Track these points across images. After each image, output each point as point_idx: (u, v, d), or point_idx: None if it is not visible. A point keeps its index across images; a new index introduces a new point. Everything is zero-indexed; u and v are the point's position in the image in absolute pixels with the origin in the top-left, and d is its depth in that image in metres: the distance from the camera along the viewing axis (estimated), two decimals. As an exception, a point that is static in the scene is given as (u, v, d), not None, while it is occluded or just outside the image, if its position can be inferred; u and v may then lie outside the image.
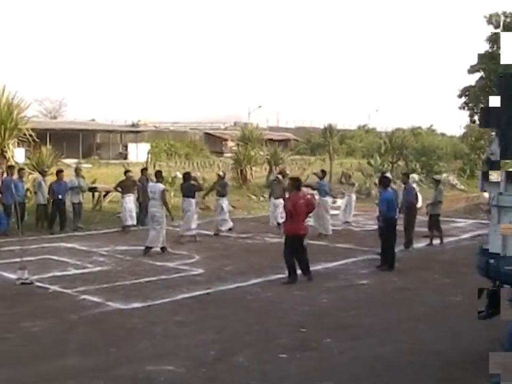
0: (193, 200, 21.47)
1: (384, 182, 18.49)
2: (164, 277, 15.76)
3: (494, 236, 9.57)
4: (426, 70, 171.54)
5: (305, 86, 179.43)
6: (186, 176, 22.09)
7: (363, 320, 12.25)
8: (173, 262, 17.61)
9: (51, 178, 23.91)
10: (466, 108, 50.50)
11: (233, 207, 28.62)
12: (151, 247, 18.97)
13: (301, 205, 15.51)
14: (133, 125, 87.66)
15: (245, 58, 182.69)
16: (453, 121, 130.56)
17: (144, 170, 26.17)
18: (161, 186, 19.56)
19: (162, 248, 19.20)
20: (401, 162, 46.62)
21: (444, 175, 43.53)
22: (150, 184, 20.79)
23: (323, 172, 24.28)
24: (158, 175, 20.09)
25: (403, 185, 22.17)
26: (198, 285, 14.90)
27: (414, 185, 23.98)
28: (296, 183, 16.19)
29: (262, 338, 11.08)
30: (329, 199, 24.13)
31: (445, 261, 18.91)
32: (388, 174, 23.14)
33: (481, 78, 48.35)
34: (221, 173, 24.58)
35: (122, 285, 14.78)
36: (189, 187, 21.48)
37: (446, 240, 22.04)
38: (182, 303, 13.42)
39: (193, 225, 21.46)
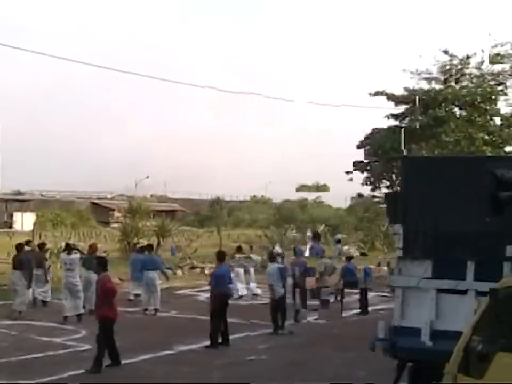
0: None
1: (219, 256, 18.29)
2: (50, 353, 15.27)
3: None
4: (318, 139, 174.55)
5: (194, 157, 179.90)
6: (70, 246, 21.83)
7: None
8: (60, 338, 17.09)
9: None
10: (369, 183, 51.87)
11: (120, 279, 28.07)
12: (82, 313, 19.68)
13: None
14: (18, 193, 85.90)
15: (130, 129, 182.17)
16: (339, 193, 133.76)
17: (29, 242, 25.45)
18: (77, 256, 20.59)
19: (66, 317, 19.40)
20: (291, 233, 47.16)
21: (345, 247, 43.99)
22: (64, 256, 21.01)
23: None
24: (69, 247, 21.07)
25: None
26: (86, 362, 14.37)
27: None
28: (102, 262, 15.04)
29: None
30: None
31: (336, 334, 18.92)
32: (277, 248, 23.17)
33: (369, 153, 49.94)
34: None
35: (8, 361, 14.16)
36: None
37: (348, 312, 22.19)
38: (71, 380, 13.00)
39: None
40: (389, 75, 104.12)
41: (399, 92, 48.27)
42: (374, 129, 50.72)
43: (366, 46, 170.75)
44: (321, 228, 41.16)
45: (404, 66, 61.19)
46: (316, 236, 22.50)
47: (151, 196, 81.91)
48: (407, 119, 49.60)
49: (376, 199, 53.47)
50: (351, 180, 52.03)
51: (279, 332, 18.66)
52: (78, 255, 20.99)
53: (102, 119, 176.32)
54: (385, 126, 50.18)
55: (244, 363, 15.10)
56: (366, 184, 52.35)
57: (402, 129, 40.95)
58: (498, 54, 47.32)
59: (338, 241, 23.39)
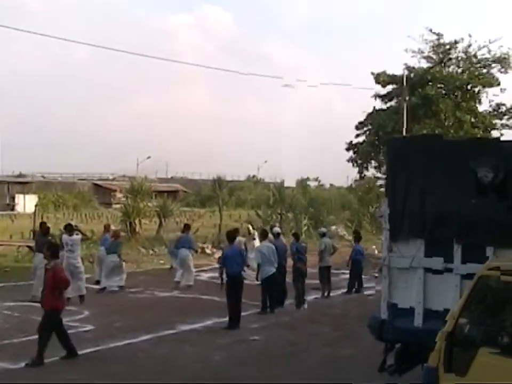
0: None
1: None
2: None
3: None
4: (314, 121, 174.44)
5: (194, 136, 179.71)
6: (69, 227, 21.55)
7: (256, 377, 12.19)
8: (63, 318, 17.15)
9: None
10: (356, 164, 51.82)
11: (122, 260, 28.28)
12: (84, 294, 19.87)
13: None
14: (20, 175, 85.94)
15: (132, 108, 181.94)
16: (341, 172, 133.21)
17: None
18: (78, 237, 20.57)
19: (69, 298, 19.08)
20: (290, 214, 46.99)
21: (333, 226, 44.12)
22: (65, 236, 20.69)
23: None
24: (70, 228, 20.84)
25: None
26: (88, 342, 14.55)
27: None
28: (53, 249, 14.14)
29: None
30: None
31: (335, 314, 19.04)
32: (277, 228, 23.20)
33: (369, 134, 49.81)
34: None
35: (11, 343, 14.32)
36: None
37: (335, 293, 22.33)
38: (73, 361, 13.07)
39: None
40: (392, 56, 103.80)
41: (399, 72, 48.11)
42: (375, 109, 50.59)
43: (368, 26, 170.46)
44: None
45: (406, 46, 60.77)
46: (296, 237, 22.39)
47: (154, 177, 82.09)
48: (394, 100, 49.53)
49: (378, 182, 53.41)
50: (353, 163, 52.06)
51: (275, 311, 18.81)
52: (80, 236, 21.00)
53: (103, 100, 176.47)
54: (377, 107, 50.24)
55: (246, 342, 15.24)
56: (353, 165, 52.37)
57: (405, 109, 40.81)
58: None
59: (323, 234, 23.15)
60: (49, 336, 13.06)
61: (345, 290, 23.10)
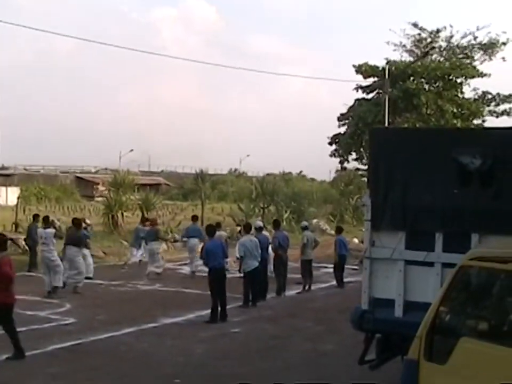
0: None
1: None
2: (34, 326, 15.23)
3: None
4: (296, 114, 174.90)
5: (177, 130, 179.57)
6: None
7: (238, 370, 12.19)
8: (44, 311, 17.15)
9: None
10: (336, 155, 52.02)
11: (104, 253, 28.25)
12: (58, 286, 19.61)
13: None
14: (2, 168, 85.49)
15: (115, 102, 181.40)
16: (323, 166, 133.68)
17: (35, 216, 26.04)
18: (52, 231, 20.17)
19: (49, 292, 19.41)
20: (272, 208, 47.03)
21: (314, 220, 44.17)
22: (40, 230, 21.03)
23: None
24: (47, 220, 20.82)
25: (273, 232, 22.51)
26: (70, 335, 14.53)
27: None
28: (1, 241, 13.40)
29: (137, 390, 10.89)
30: None
31: (317, 308, 19.07)
32: (259, 222, 23.26)
33: (350, 125, 49.97)
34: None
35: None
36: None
37: (316, 286, 22.40)
38: (54, 354, 13.06)
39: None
40: (374, 48, 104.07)
41: (382, 64, 48.24)
42: (356, 101, 50.71)
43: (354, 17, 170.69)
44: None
45: (388, 39, 61.05)
46: (276, 224, 22.52)
47: (137, 170, 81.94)
48: (375, 92, 49.69)
49: (360, 172, 53.61)
50: (333, 154, 52.28)
51: (257, 305, 18.82)
52: (53, 230, 20.58)
53: (87, 93, 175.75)
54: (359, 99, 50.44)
55: (228, 335, 15.25)
56: (334, 156, 52.56)
57: (386, 102, 40.96)
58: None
59: (305, 227, 23.18)
60: (13, 328, 12.73)
61: (327, 284, 23.18)
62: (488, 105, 49.51)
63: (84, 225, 22.39)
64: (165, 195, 67.21)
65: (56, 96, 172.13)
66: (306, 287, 21.88)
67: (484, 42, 48.99)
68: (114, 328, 15.36)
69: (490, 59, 49.68)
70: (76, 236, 20.91)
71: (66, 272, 20.41)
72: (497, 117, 49.35)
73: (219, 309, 16.66)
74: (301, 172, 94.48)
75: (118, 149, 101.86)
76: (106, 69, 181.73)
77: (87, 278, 21.90)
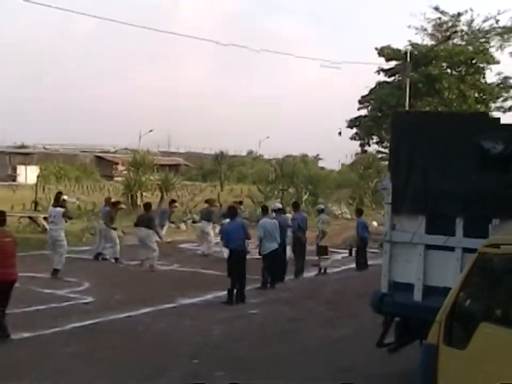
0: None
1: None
2: (53, 305, 15.36)
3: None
4: (316, 99, 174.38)
5: (197, 111, 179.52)
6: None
7: (255, 352, 12.19)
8: (62, 290, 17.22)
9: None
10: (357, 138, 51.88)
11: (123, 233, 28.31)
12: (58, 269, 19.09)
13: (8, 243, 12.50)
14: (21, 147, 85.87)
15: (135, 82, 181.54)
16: (338, 151, 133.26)
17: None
18: (61, 210, 19.85)
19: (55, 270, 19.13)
20: (291, 190, 47.02)
21: (329, 204, 44.05)
22: (51, 207, 21.06)
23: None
24: (58, 198, 20.90)
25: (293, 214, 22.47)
26: (88, 314, 14.57)
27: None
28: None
29: (155, 370, 10.90)
30: None
31: (335, 291, 19.01)
32: (278, 204, 23.25)
33: (372, 108, 49.81)
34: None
35: (11, 313, 14.27)
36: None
37: (334, 270, 22.38)
38: (72, 333, 13.11)
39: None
40: (397, 32, 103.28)
41: (404, 48, 47.94)
42: (378, 84, 50.45)
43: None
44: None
45: (410, 22, 60.66)
46: (296, 206, 22.54)
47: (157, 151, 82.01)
48: (397, 75, 49.36)
49: (380, 155, 53.46)
50: (339, 134, 52.09)
51: (275, 286, 18.83)
52: (62, 209, 20.12)
53: (105, 73, 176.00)
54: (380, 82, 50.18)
55: (246, 317, 15.26)
56: (354, 139, 52.40)
57: (408, 85, 40.71)
58: None
59: (322, 210, 23.14)
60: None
61: (345, 267, 23.16)
62: (508, 92, 49.12)
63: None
64: (184, 175, 67.35)
65: (77, 76, 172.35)
66: (322, 270, 21.87)
67: (507, 25, 48.51)
68: (132, 307, 15.39)
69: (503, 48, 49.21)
70: (146, 218, 21.88)
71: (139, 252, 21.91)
72: (504, 112, 49.00)
73: (235, 290, 16.64)
74: (317, 155, 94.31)
75: (138, 129, 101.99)
76: (126, 49, 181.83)
77: (114, 258, 22.53)
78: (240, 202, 28.58)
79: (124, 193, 40.38)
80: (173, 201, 28.87)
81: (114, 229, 23.44)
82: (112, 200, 24.82)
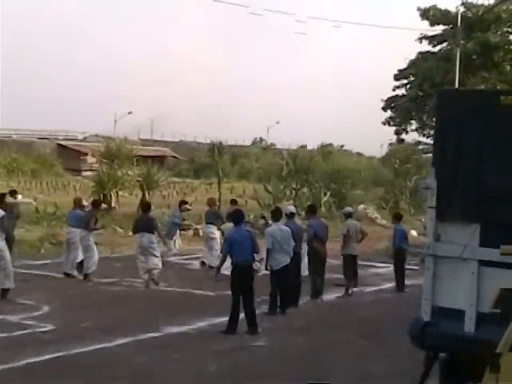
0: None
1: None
2: (3, 334, 15.38)
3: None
4: (340, 71, 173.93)
5: (188, 90, 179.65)
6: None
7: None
8: (16, 315, 17.25)
9: None
10: (392, 123, 51.48)
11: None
12: (7, 289, 19.07)
13: None
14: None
15: (111, 54, 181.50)
16: (373, 138, 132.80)
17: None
18: (1, 212, 19.54)
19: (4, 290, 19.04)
20: (306, 189, 46.76)
21: (361, 206, 43.92)
22: None
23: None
24: (13, 193, 21.82)
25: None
26: (48, 346, 14.57)
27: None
28: None
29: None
30: None
31: (363, 317, 18.95)
32: (291, 207, 23.16)
33: (411, 85, 49.41)
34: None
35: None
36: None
37: (363, 289, 22.37)
38: (28, 369, 13.09)
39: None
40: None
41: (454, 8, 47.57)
42: (420, 54, 50.02)
43: None
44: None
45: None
46: (311, 210, 22.37)
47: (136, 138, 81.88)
48: (445, 43, 48.93)
49: (421, 146, 53.22)
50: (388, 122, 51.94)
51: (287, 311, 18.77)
52: (2, 212, 19.77)
53: (78, 44, 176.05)
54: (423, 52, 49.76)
55: (248, 349, 15.26)
56: (388, 124, 52.04)
57: (458, 57, 40.33)
58: None
59: (349, 215, 22.88)
60: None
61: (376, 288, 23.15)
62: None
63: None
64: (171, 170, 67.34)
65: (39, 48, 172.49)
66: (350, 291, 21.79)
67: None
68: (104, 337, 15.39)
69: None
70: (145, 220, 22.06)
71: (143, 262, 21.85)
72: None
73: (239, 316, 16.62)
74: (342, 145, 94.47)
75: (113, 111, 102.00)
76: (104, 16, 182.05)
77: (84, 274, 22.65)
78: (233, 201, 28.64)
79: (95, 191, 40.25)
80: (184, 202, 29.04)
81: (97, 229, 23.74)
82: (92, 198, 24.47)
